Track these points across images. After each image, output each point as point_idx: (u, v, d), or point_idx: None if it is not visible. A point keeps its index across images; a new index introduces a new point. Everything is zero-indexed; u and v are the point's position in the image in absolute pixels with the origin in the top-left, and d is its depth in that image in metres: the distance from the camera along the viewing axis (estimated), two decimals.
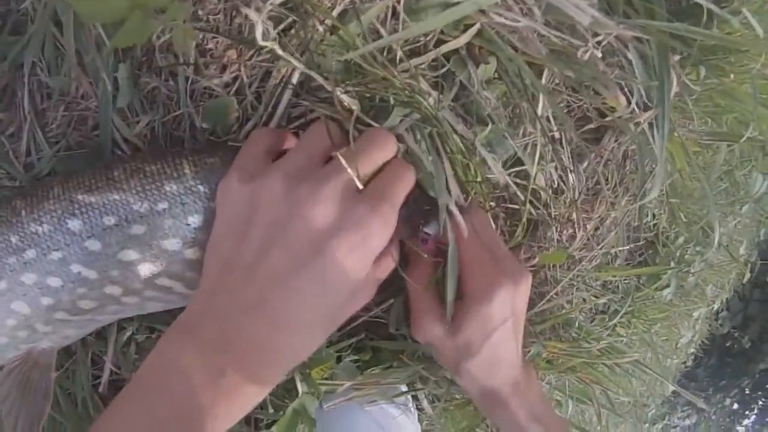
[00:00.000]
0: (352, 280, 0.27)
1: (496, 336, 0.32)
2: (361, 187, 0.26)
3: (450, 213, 0.33)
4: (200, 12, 0.30)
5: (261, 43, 0.25)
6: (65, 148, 0.33)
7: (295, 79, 0.32)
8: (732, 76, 0.35)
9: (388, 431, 0.45)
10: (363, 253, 0.26)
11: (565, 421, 0.37)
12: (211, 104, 0.33)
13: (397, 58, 0.32)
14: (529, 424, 0.35)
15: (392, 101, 0.32)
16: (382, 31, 0.32)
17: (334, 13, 0.29)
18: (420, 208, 0.35)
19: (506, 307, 0.32)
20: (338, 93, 0.27)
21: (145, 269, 0.30)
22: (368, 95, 0.32)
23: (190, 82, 0.32)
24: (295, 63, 0.28)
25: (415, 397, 0.50)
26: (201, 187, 0.30)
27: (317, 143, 0.29)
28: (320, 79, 0.28)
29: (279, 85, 0.32)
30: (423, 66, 0.34)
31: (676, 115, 0.38)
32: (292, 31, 0.31)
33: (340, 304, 0.28)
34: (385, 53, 0.33)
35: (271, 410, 0.37)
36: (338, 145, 0.29)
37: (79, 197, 0.29)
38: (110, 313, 0.31)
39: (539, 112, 0.34)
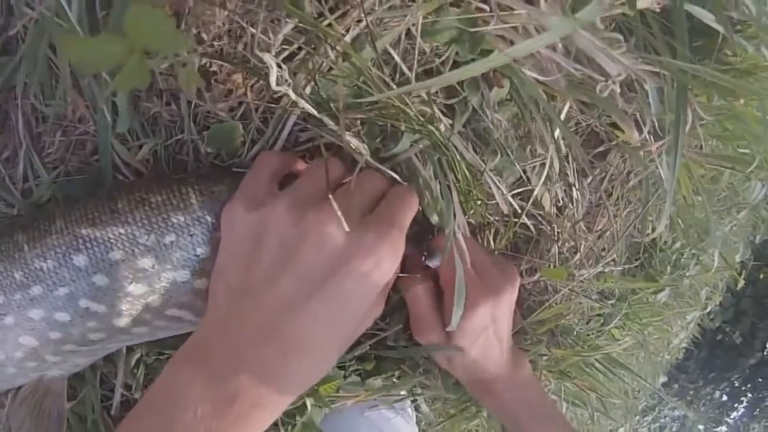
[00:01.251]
0: (364, 303, 0.27)
1: (481, 341, 0.37)
2: (347, 229, 0.26)
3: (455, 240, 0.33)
4: (204, 35, 0.28)
5: (275, 88, 0.24)
6: (64, 173, 0.32)
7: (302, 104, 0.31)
8: (742, 100, 0.34)
9: None
10: (375, 278, 0.27)
11: (554, 402, 0.41)
12: (215, 130, 0.31)
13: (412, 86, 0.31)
14: (515, 405, 0.39)
15: (403, 127, 0.31)
16: (395, 54, 0.31)
17: (347, 38, 0.28)
18: (423, 231, 0.35)
19: (486, 319, 0.36)
20: (347, 136, 0.26)
21: (155, 301, 0.29)
22: (380, 122, 0.31)
23: (193, 106, 0.31)
24: (307, 107, 0.27)
25: (413, 400, 0.51)
26: (209, 218, 0.30)
27: (323, 175, 0.28)
28: (330, 123, 0.27)
29: (287, 110, 0.31)
30: (435, 89, 0.33)
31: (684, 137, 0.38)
32: (301, 54, 0.30)
33: (352, 327, 0.28)
34: (397, 76, 0.32)
35: (280, 426, 0.38)
36: (341, 178, 0.29)
37: (83, 232, 0.28)
38: (119, 342, 0.31)
39: (553, 138, 0.34)
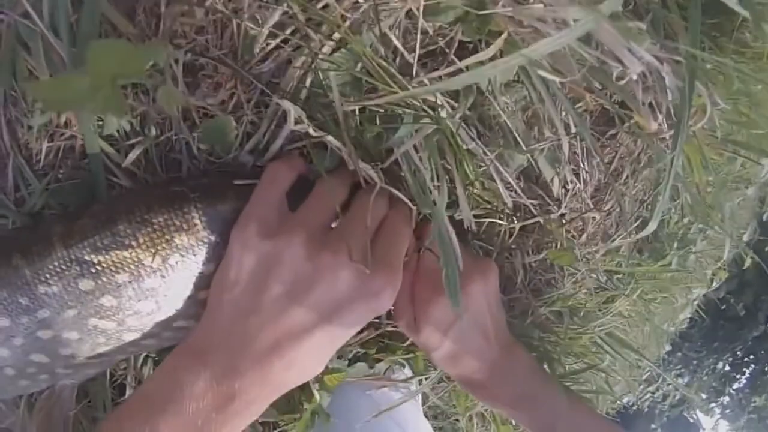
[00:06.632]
0: (360, 326, 0.30)
1: (453, 332, 0.36)
2: (368, 272, 0.28)
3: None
4: (185, 29, 0.26)
5: (293, 128, 0.22)
6: (55, 179, 0.30)
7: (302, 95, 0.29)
8: (759, 87, 0.32)
9: (388, 413, 0.47)
10: (375, 313, 0.30)
11: (559, 389, 0.37)
12: (207, 125, 0.30)
13: (413, 71, 0.29)
14: (514, 401, 0.38)
15: (404, 114, 0.30)
16: (394, 38, 0.29)
17: (345, 23, 0.26)
18: None
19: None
20: (360, 165, 0.26)
21: (162, 315, 0.29)
22: (380, 111, 0.29)
23: None
24: (326, 136, 0.25)
25: (419, 381, 0.52)
26: (212, 237, 0.29)
27: (331, 201, 0.30)
28: (343, 150, 0.26)
29: (282, 96, 0.29)
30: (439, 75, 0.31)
31: (698, 120, 0.36)
32: (295, 37, 0.27)
33: (343, 343, 0.31)
34: (397, 60, 0.30)
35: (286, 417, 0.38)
36: (347, 200, 0.31)
37: (87, 258, 0.27)
38: (129, 353, 0.31)
39: (563, 121, 0.32)
